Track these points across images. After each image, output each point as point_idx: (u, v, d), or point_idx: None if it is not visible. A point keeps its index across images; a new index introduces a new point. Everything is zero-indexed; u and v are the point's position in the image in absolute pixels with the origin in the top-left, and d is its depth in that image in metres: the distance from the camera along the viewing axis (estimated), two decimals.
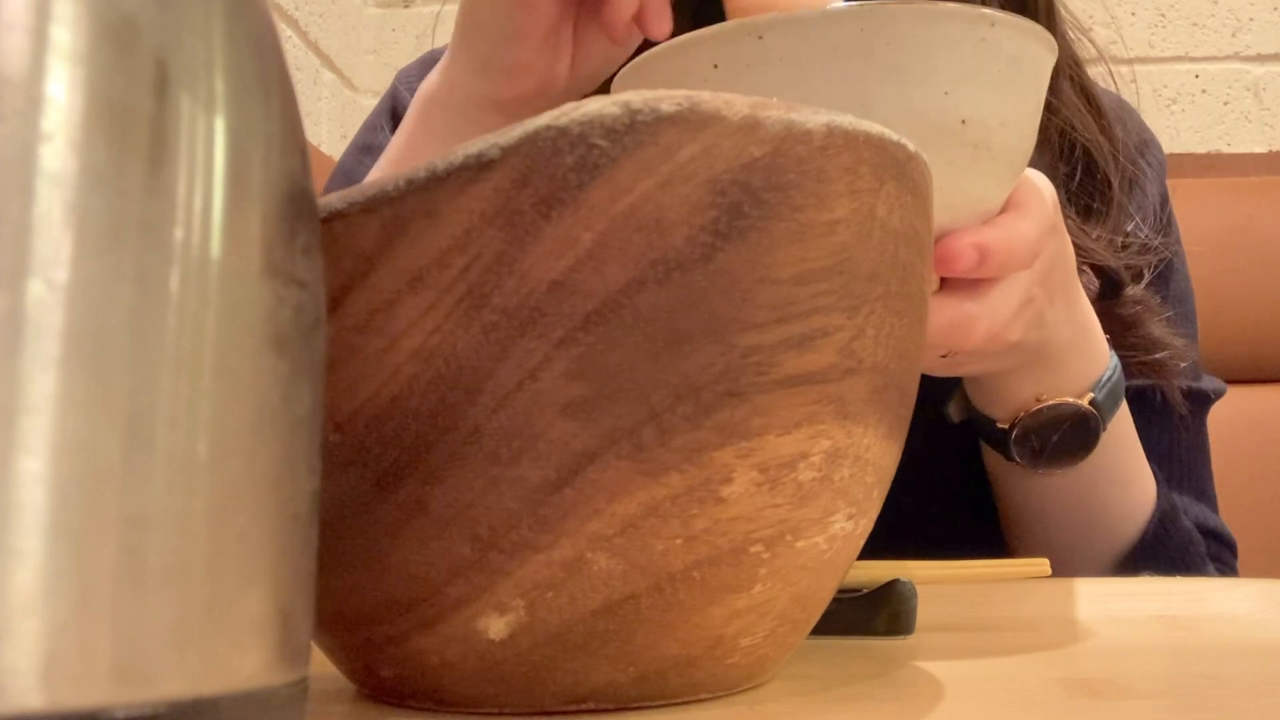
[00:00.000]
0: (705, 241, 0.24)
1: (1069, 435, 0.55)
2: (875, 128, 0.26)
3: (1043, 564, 0.47)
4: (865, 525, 0.29)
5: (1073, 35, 0.69)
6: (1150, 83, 1.47)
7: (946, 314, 0.43)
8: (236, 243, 0.18)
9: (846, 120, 0.26)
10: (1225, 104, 1.48)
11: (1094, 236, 0.63)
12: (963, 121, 0.38)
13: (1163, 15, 1.50)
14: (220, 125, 0.18)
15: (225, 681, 0.18)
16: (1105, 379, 0.55)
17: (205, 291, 0.18)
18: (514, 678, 0.26)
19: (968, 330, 0.44)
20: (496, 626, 0.25)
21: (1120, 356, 0.57)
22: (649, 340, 0.24)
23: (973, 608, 0.45)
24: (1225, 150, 1.47)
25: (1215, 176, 1.22)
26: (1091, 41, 0.71)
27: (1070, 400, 0.54)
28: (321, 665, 0.29)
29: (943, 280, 0.44)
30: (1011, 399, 0.54)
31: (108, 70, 0.17)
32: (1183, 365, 0.65)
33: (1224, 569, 0.66)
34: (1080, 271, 0.54)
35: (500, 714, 0.27)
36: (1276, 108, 1.48)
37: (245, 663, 0.18)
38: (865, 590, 0.38)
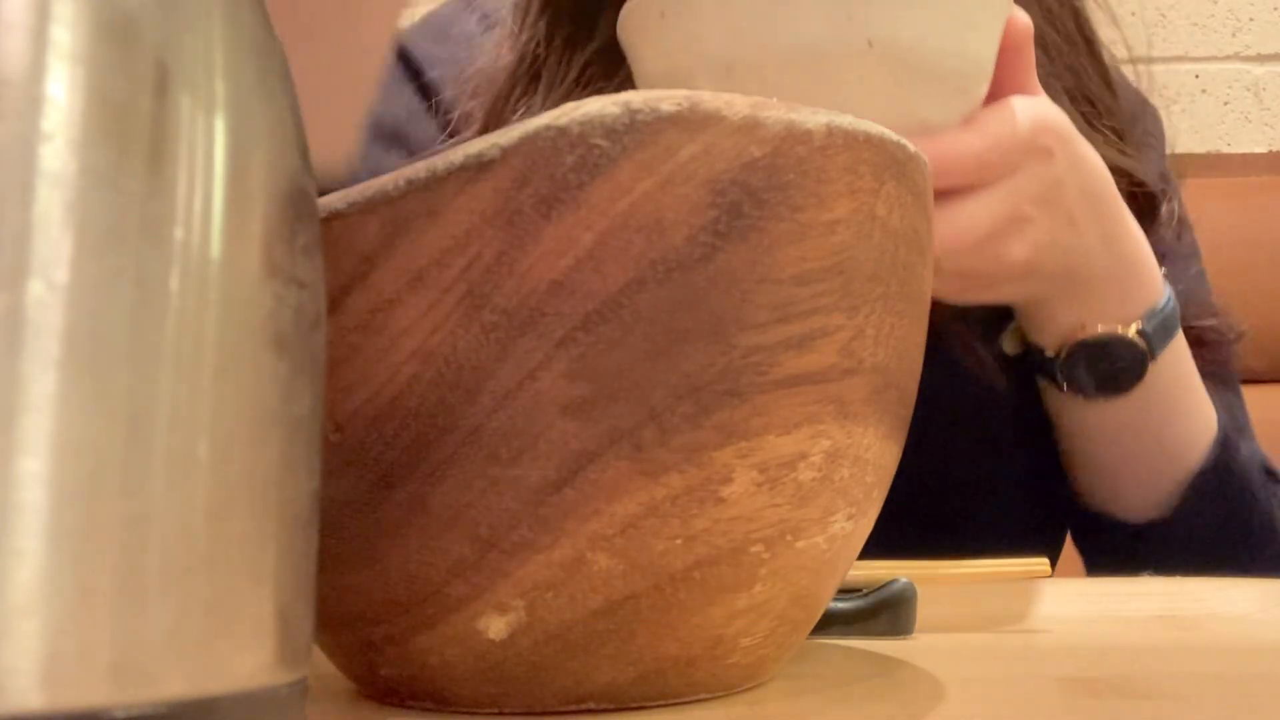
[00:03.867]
0: (705, 241, 0.24)
1: (1118, 366, 0.56)
2: (875, 128, 0.26)
3: (1043, 564, 0.47)
4: (865, 525, 0.29)
5: None
6: (1150, 83, 1.47)
7: None
8: (236, 243, 0.18)
9: (846, 120, 0.26)
10: (1225, 104, 1.48)
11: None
12: (868, 43, 0.39)
13: (1163, 15, 1.50)
14: (220, 125, 0.18)
15: (225, 681, 0.18)
16: (1158, 309, 0.56)
17: (205, 291, 0.18)
18: (514, 678, 0.26)
19: None
20: (496, 626, 0.25)
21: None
22: (649, 340, 0.24)
23: (973, 608, 0.45)
24: (1225, 150, 1.47)
25: (1215, 176, 1.22)
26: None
27: (1117, 330, 0.55)
28: (321, 665, 0.29)
29: None
30: (1055, 327, 0.56)
31: (108, 70, 0.17)
32: (1228, 325, 0.66)
33: (1278, 503, 0.66)
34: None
35: (500, 714, 0.27)
36: (1276, 108, 1.48)
37: (245, 663, 0.18)
38: (865, 590, 0.38)
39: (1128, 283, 0.55)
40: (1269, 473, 0.66)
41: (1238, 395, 0.69)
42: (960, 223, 0.46)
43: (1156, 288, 0.57)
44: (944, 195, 0.46)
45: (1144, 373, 0.56)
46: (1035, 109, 0.48)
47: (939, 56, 0.41)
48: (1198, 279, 0.70)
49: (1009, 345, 0.60)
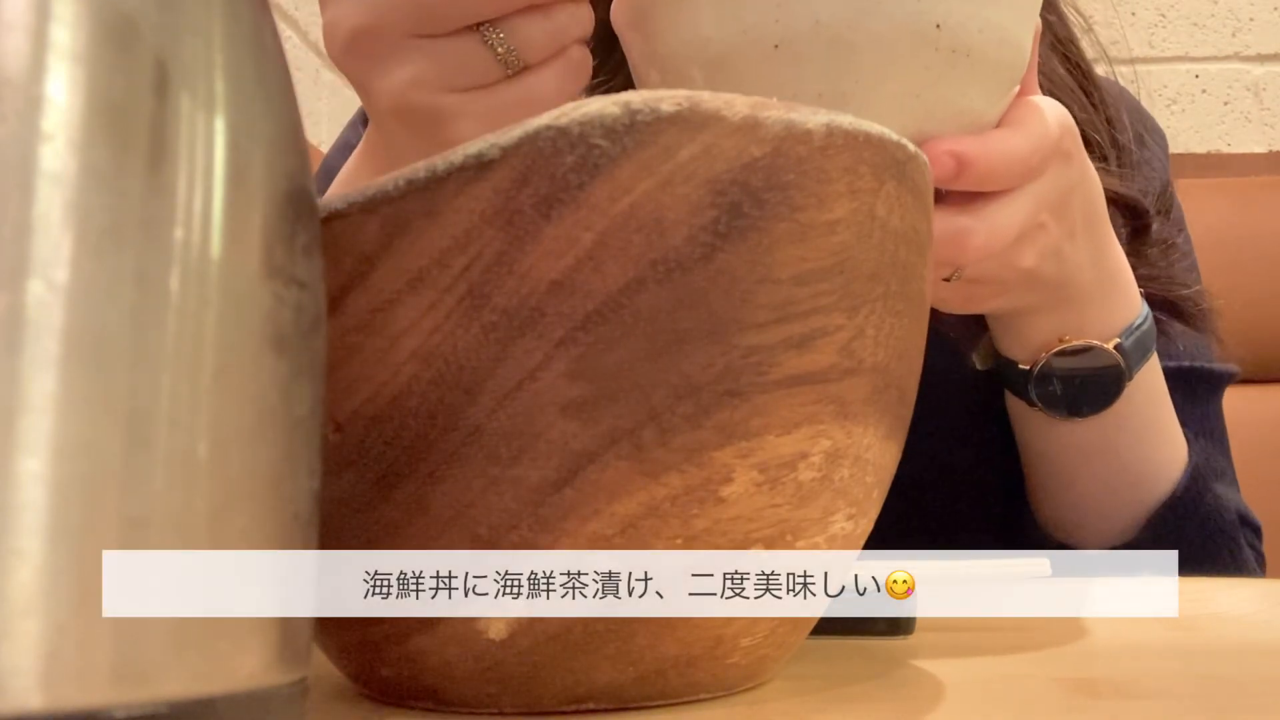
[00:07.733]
0: (705, 241, 0.24)
1: (1092, 381, 0.54)
2: (875, 127, 0.26)
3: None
4: (865, 525, 0.29)
5: (1069, 14, 0.69)
6: (1150, 83, 1.47)
7: (938, 226, 0.43)
8: (236, 243, 0.18)
9: (846, 120, 0.26)
10: (1225, 104, 1.49)
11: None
12: (937, 26, 0.38)
13: (1163, 15, 1.50)
14: (220, 125, 0.18)
15: (225, 681, 0.18)
16: (1134, 326, 0.55)
17: (205, 291, 0.18)
18: (514, 678, 0.26)
19: (962, 243, 0.43)
20: (496, 626, 0.25)
21: (1145, 295, 0.57)
22: (649, 340, 0.24)
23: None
24: (1225, 150, 1.47)
25: (1215, 176, 1.22)
26: (1089, 27, 0.70)
27: (1094, 343, 0.53)
28: (321, 665, 0.29)
29: (938, 196, 0.43)
30: (1033, 339, 0.54)
31: (108, 70, 0.17)
32: (1205, 307, 0.65)
33: (1255, 553, 0.65)
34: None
35: (500, 714, 0.27)
36: (1276, 108, 1.48)
37: (245, 663, 0.18)
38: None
39: (1110, 297, 0.54)
40: (1245, 521, 0.65)
41: (1221, 447, 0.68)
42: (997, 226, 0.44)
43: (1135, 304, 0.55)
44: (982, 198, 0.44)
45: (1120, 390, 0.54)
46: (1057, 110, 0.46)
47: (1000, 46, 0.40)
48: (1191, 269, 0.70)
49: (980, 359, 0.58)
